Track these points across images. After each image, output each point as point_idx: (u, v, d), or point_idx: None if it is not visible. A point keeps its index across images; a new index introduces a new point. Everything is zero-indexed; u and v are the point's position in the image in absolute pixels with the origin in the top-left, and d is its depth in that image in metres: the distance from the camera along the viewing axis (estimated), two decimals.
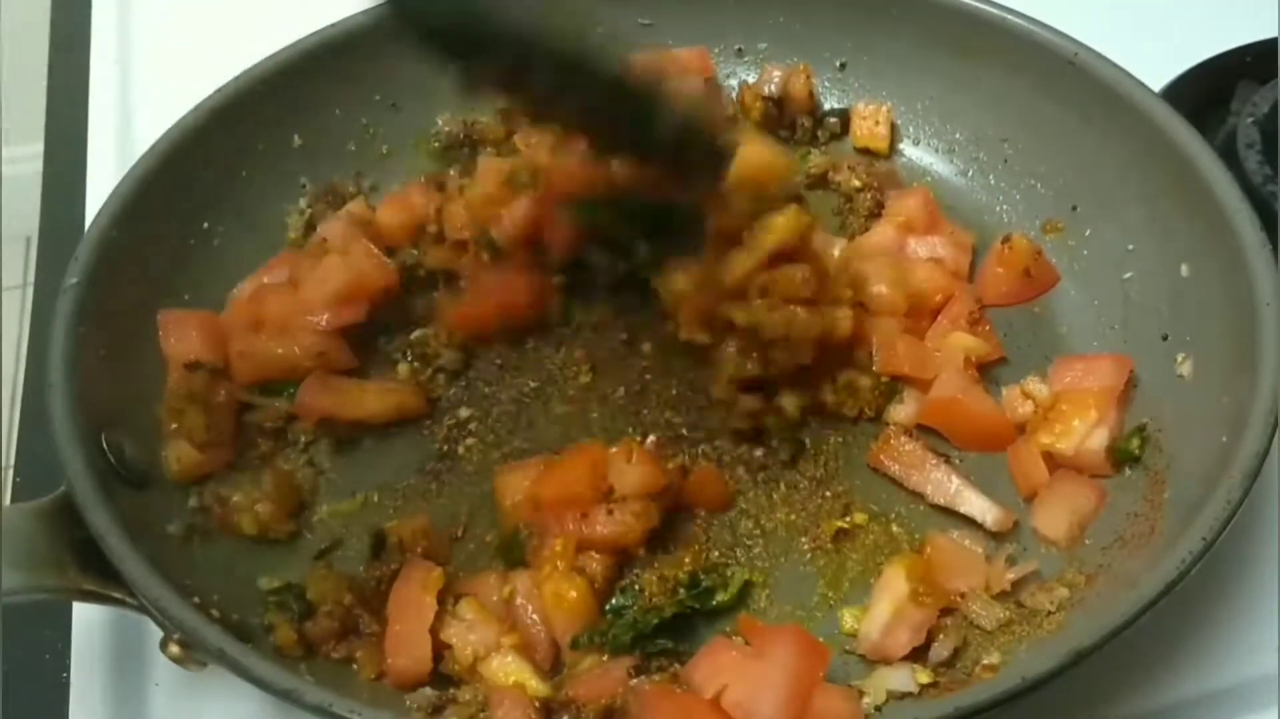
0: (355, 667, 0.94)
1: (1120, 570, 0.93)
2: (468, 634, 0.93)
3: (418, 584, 0.95)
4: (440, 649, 0.93)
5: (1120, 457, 1.01)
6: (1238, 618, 1.00)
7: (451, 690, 0.91)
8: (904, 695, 0.90)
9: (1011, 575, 0.96)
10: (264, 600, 0.96)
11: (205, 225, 1.15)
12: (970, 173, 1.25)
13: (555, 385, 1.12)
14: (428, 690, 0.91)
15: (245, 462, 1.06)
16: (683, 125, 1.00)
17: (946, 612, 0.95)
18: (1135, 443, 1.01)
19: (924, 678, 0.90)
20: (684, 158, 1.02)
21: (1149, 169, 1.09)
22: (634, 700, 0.87)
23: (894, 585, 0.94)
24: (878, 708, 0.89)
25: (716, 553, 1.01)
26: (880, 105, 1.27)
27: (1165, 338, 1.06)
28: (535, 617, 0.95)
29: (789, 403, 1.05)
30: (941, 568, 0.96)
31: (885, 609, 0.93)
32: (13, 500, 1.05)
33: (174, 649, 0.88)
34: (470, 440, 1.09)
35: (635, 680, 0.89)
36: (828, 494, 1.04)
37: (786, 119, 1.28)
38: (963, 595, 0.95)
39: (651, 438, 1.06)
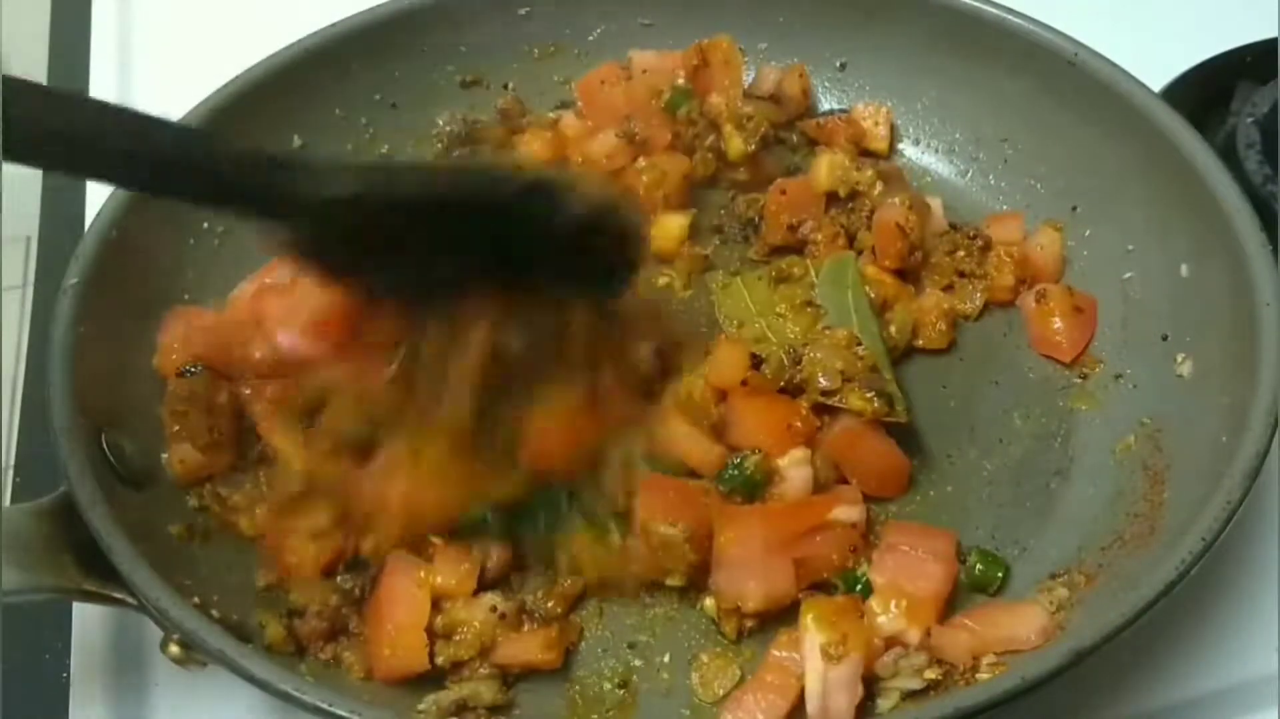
0: (344, 667, 0.94)
1: (1120, 570, 0.93)
2: (472, 621, 0.94)
3: (410, 580, 0.94)
4: (433, 642, 0.93)
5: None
6: (1238, 618, 1.00)
7: (463, 688, 0.91)
8: (914, 693, 0.90)
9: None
10: (257, 597, 0.95)
11: (205, 225, 1.14)
12: (970, 173, 1.25)
13: None
14: (445, 693, 0.91)
15: (245, 462, 1.06)
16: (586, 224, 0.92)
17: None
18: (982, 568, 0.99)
19: (931, 674, 0.90)
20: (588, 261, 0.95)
21: (1149, 169, 1.09)
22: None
23: (809, 639, 0.88)
24: (890, 709, 0.89)
25: None
26: (880, 105, 1.27)
27: (1165, 338, 1.06)
28: None
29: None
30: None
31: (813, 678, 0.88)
32: (13, 500, 1.05)
33: (174, 649, 0.88)
34: None
35: None
36: None
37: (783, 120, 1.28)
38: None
39: None
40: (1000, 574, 0.98)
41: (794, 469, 0.99)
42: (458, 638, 0.93)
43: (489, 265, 0.92)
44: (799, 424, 1.01)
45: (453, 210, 0.90)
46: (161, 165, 0.81)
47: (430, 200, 0.90)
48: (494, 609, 0.94)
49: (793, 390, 1.03)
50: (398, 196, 0.88)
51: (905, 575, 0.94)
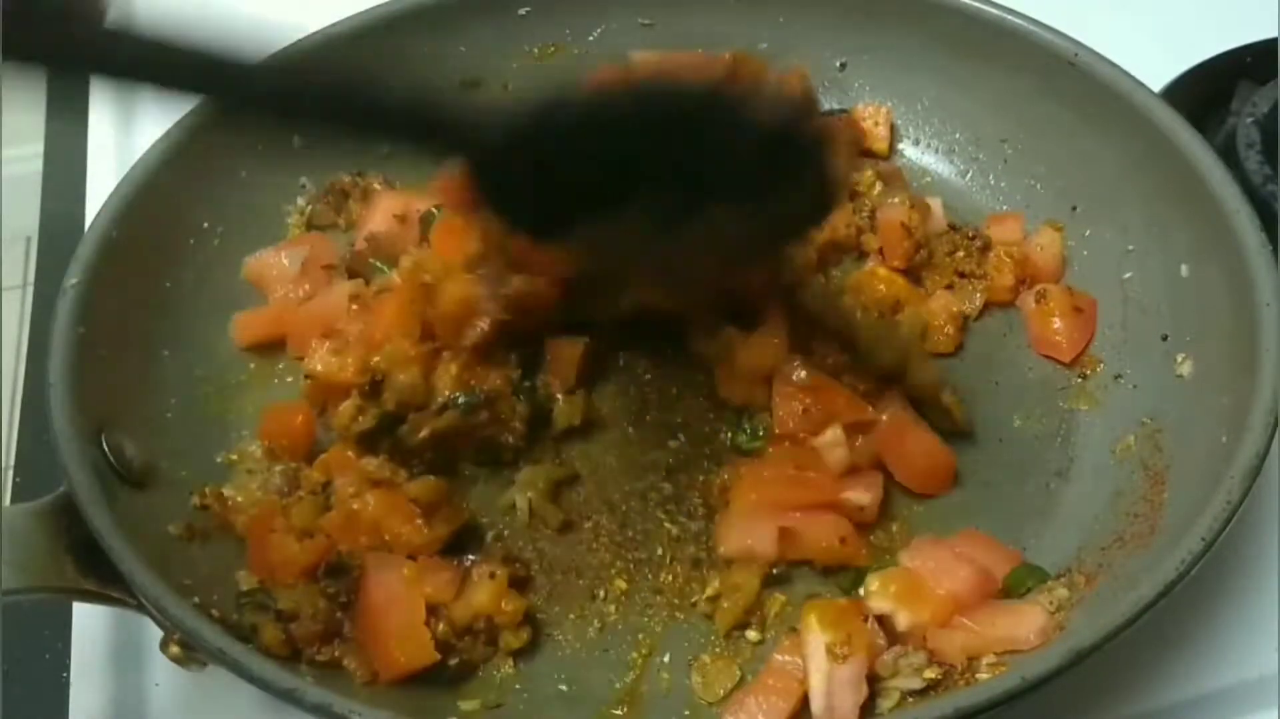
0: (346, 671, 0.92)
1: (1120, 570, 0.93)
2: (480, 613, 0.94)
3: (396, 578, 0.93)
4: (445, 644, 0.93)
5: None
6: (1238, 618, 1.00)
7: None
8: (914, 693, 0.90)
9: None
10: (238, 603, 0.93)
11: (205, 225, 1.14)
12: (970, 173, 1.25)
13: None
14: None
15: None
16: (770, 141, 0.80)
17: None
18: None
19: (931, 674, 0.90)
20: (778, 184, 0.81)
21: (1149, 169, 1.09)
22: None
23: (813, 640, 0.89)
24: (891, 709, 0.89)
25: None
26: (880, 105, 1.27)
27: (1165, 338, 1.06)
28: None
29: None
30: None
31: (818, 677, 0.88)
32: (13, 500, 1.05)
33: (174, 649, 0.88)
34: None
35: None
36: None
37: None
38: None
39: None
40: (1030, 585, 0.96)
41: (829, 451, 0.98)
42: (470, 637, 0.94)
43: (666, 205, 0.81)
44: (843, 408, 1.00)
45: (630, 132, 0.80)
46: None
47: (605, 122, 0.81)
48: (492, 576, 0.94)
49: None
50: (572, 122, 0.80)
51: (933, 571, 0.94)
